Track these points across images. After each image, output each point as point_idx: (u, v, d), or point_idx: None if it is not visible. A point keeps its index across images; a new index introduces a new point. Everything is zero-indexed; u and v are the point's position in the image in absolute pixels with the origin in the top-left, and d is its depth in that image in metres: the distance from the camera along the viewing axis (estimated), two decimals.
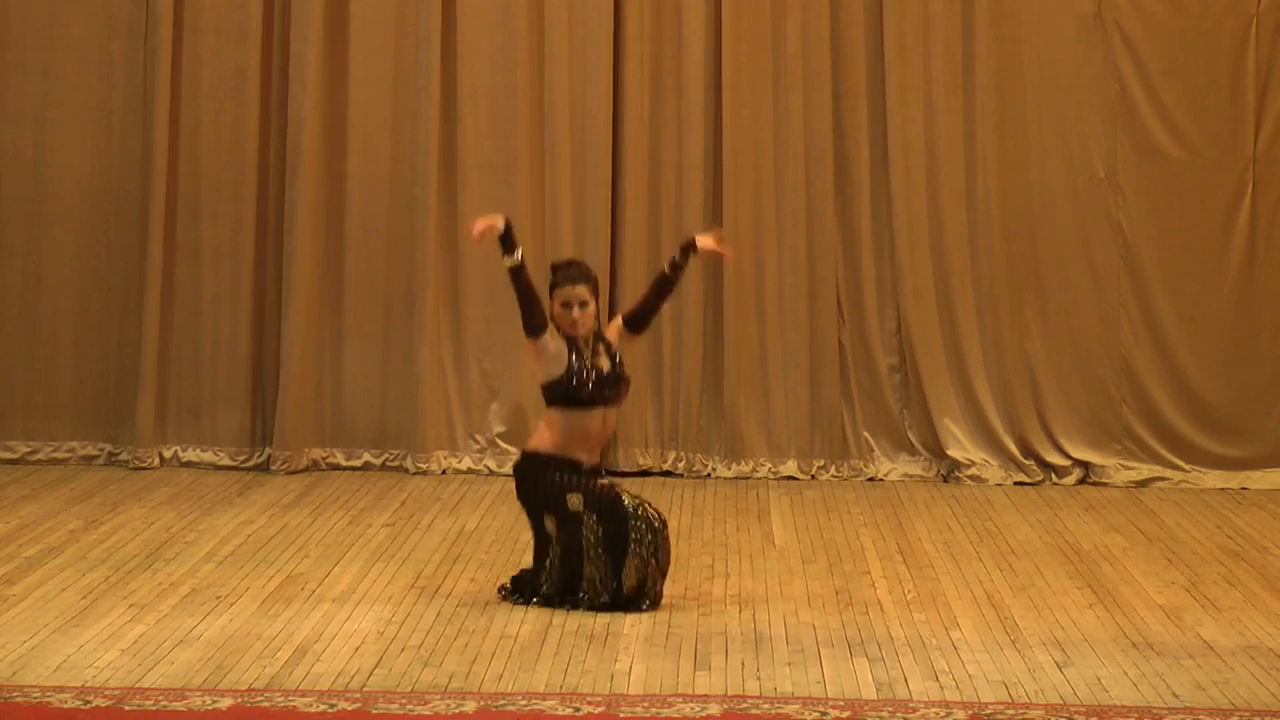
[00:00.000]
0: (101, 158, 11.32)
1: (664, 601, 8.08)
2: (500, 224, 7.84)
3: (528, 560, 8.19)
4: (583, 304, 7.95)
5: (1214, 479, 11.07)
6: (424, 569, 8.69)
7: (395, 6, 11.27)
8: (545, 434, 7.95)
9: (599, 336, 8.03)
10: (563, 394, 7.89)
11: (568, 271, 8.03)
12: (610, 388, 7.94)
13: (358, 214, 11.30)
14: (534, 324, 7.91)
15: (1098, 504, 10.58)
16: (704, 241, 8.12)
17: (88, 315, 11.35)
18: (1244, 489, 11.00)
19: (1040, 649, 7.42)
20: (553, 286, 8.00)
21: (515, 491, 8.09)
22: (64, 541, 9.15)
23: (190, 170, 11.28)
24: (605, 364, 7.97)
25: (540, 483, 7.91)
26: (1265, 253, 11.19)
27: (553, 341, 7.92)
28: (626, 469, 11.14)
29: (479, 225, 7.87)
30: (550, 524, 7.91)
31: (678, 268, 8.06)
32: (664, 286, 8.10)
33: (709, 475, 11.21)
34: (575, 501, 7.85)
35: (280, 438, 11.14)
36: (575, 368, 7.89)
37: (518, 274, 7.85)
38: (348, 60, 11.27)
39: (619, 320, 8.16)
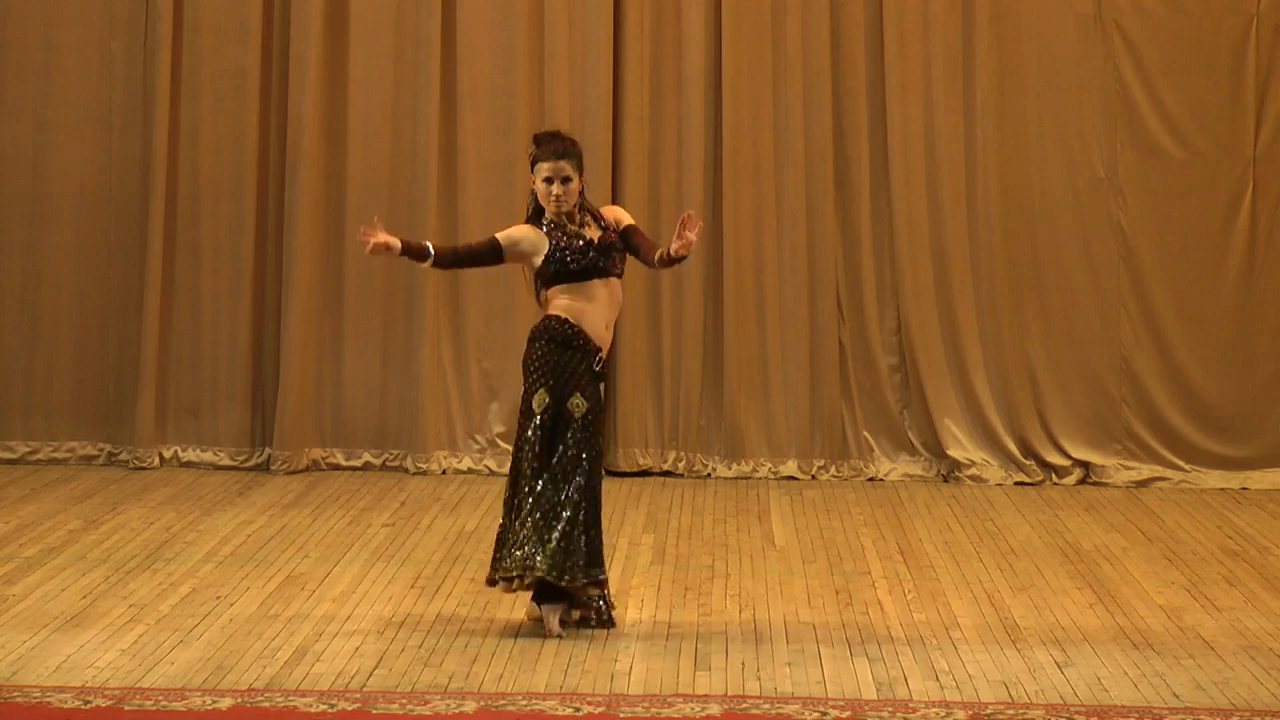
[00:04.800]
0: (101, 158, 11.32)
1: (664, 601, 8.08)
2: (396, 246, 7.45)
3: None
4: (565, 179, 7.54)
5: (1214, 479, 11.07)
6: (424, 569, 8.70)
7: (395, 6, 11.27)
8: (559, 303, 7.57)
9: (586, 210, 7.67)
10: (554, 270, 7.54)
11: (550, 145, 7.58)
12: (603, 255, 7.57)
13: (358, 214, 11.28)
14: (495, 258, 7.63)
15: (1098, 504, 10.58)
16: (678, 248, 7.50)
17: (88, 315, 11.35)
18: (1244, 489, 11.00)
19: (1040, 649, 7.42)
20: (534, 160, 7.60)
21: (524, 361, 7.64)
22: (64, 541, 9.15)
23: (190, 170, 11.28)
24: (594, 233, 7.62)
25: (553, 355, 7.53)
26: (1265, 253, 11.19)
27: (523, 238, 7.61)
28: (626, 469, 11.14)
29: (372, 239, 7.44)
30: (539, 400, 7.54)
31: (664, 264, 7.60)
32: (651, 264, 7.69)
33: (709, 475, 11.21)
34: (578, 403, 7.54)
35: (280, 438, 11.14)
36: (560, 241, 7.55)
37: (442, 262, 7.60)
38: (348, 60, 11.28)
39: (626, 219, 7.73)
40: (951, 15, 11.18)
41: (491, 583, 7.66)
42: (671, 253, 7.50)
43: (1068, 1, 11.17)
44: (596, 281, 7.58)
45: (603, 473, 7.73)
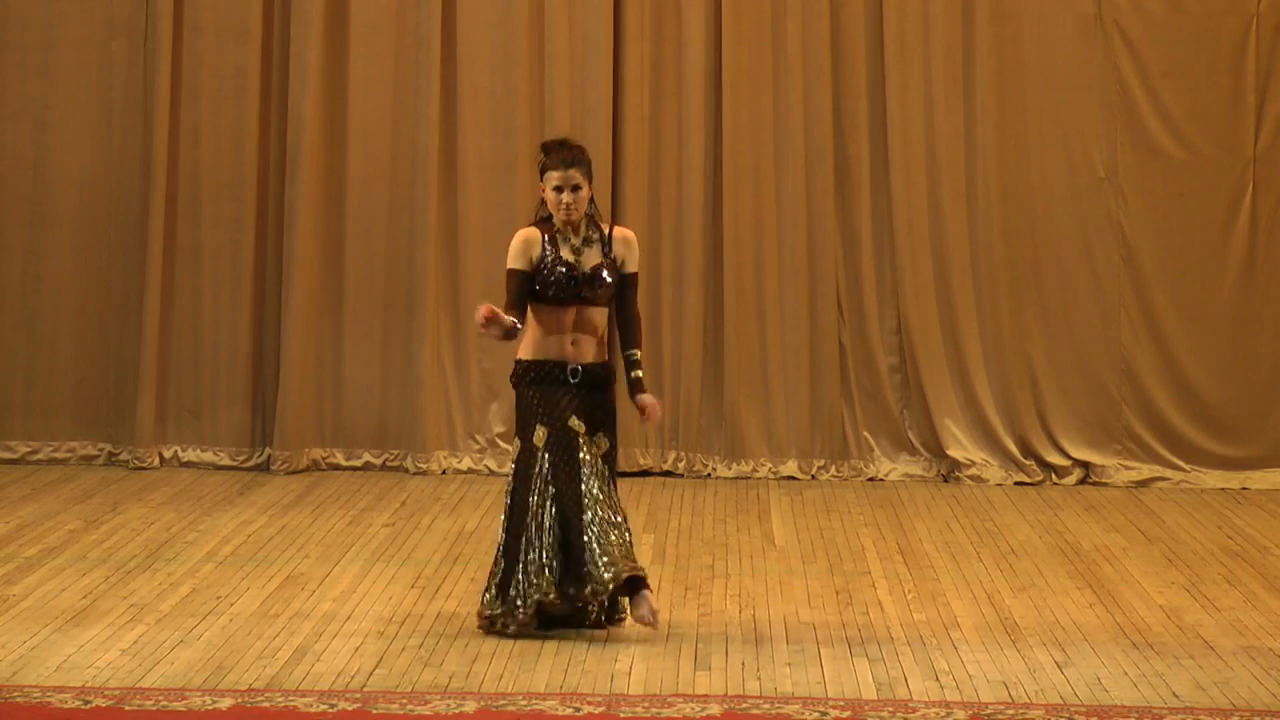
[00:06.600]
0: (101, 158, 11.32)
1: (664, 601, 8.08)
2: (508, 324, 7.40)
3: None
4: (575, 188, 7.47)
5: (1214, 479, 11.07)
6: (424, 569, 8.70)
7: (395, 6, 11.27)
8: (528, 333, 7.56)
9: (595, 226, 7.62)
10: (535, 286, 7.51)
11: (560, 154, 7.51)
12: (586, 286, 7.51)
13: (358, 214, 11.30)
14: (531, 281, 7.52)
15: (1098, 504, 10.58)
16: (642, 400, 7.59)
17: (88, 315, 11.35)
18: (1244, 489, 11.00)
19: (1040, 649, 7.42)
20: (543, 169, 7.53)
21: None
22: (64, 541, 9.15)
23: (190, 170, 11.28)
24: (592, 259, 7.55)
25: (521, 398, 7.59)
26: (1265, 253, 11.19)
27: (525, 246, 7.53)
28: (627, 469, 11.13)
29: (483, 312, 7.37)
30: (540, 436, 7.57)
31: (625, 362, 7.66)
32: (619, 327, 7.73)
33: (709, 475, 11.21)
34: (540, 436, 7.54)
35: (280, 438, 11.14)
36: (545, 262, 7.51)
37: (517, 328, 7.49)
38: (348, 60, 11.27)
39: (633, 263, 7.62)
40: (951, 15, 11.18)
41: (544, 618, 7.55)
42: (633, 399, 7.61)
43: (1068, 1, 11.17)
44: (570, 309, 7.54)
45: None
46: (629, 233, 7.75)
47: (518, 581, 7.49)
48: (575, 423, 7.53)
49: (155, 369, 11.21)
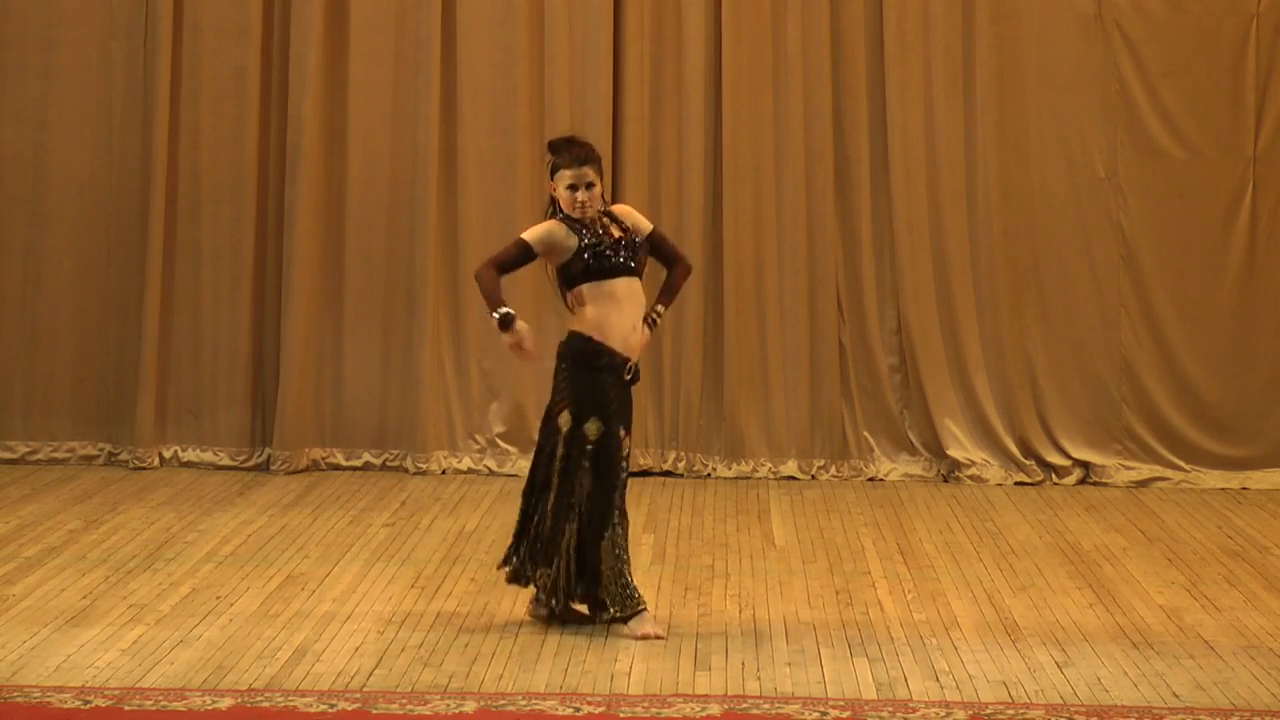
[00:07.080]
0: (101, 158, 11.32)
1: (664, 601, 8.08)
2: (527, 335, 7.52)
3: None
4: (589, 185, 7.53)
5: (1214, 479, 11.07)
6: (424, 569, 8.70)
7: (395, 7, 11.27)
8: (584, 315, 7.54)
9: (607, 213, 7.64)
10: (583, 266, 7.51)
11: (572, 152, 7.58)
12: (628, 253, 7.53)
13: (358, 214, 11.30)
14: (527, 259, 7.57)
15: (1098, 504, 10.58)
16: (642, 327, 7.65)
17: (88, 315, 11.35)
18: (1244, 489, 11.00)
19: (1040, 649, 7.42)
20: (554, 168, 7.59)
21: (554, 375, 7.64)
22: (64, 541, 9.15)
23: (190, 170, 11.29)
24: (618, 232, 7.59)
25: (578, 378, 7.54)
26: (1265, 253, 11.19)
27: (552, 232, 7.55)
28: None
29: (528, 348, 7.51)
30: (594, 430, 7.57)
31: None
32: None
33: (709, 475, 11.21)
34: (594, 429, 7.54)
35: (280, 438, 11.14)
36: (589, 238, 7.51)
37: (503, 302, 7.58)
38: (348, 60, 11.28)
39: (645, 223, 7.69)
40: (951, 15, 11.18)
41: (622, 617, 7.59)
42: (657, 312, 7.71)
43: (1068, 1, 11.17)
44: (621, 280, 7.53)
45: None
46: (625, 206, 7.89)
47: (566, 571, 7.54)
48: (620, 432, 7.57)
49: (155, 369, 11.21)
